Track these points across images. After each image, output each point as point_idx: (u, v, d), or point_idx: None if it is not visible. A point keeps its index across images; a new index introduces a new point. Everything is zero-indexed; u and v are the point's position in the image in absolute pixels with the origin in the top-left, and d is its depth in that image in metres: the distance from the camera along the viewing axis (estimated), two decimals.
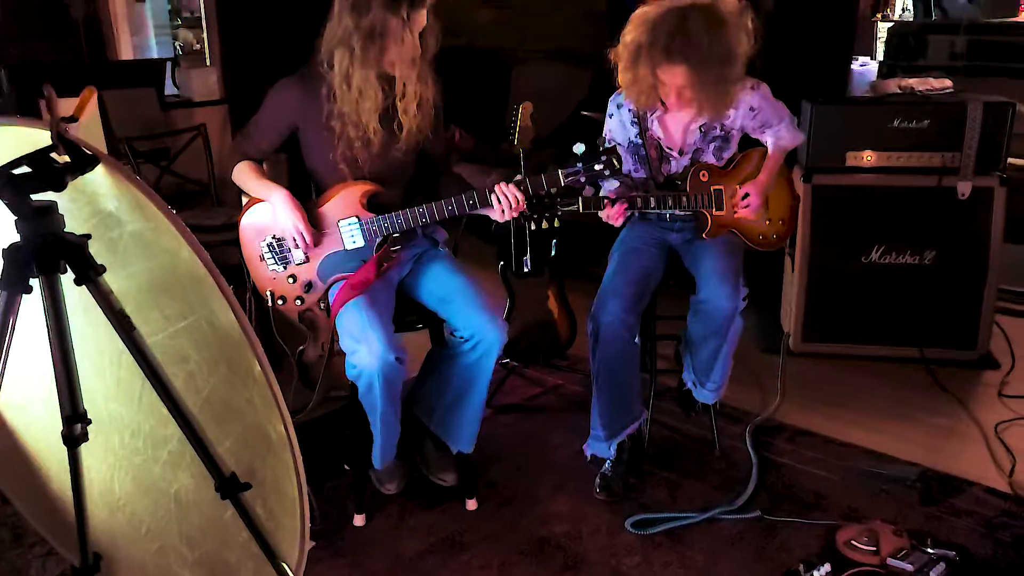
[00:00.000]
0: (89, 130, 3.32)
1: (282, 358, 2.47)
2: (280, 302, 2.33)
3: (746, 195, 2.58)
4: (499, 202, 2.23)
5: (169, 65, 4.12)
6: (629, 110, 2.63)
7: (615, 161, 2.23)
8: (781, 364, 3.25)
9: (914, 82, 5.32)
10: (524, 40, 5.48)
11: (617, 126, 2.67)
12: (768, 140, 2.69)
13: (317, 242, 2.28)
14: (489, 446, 2.83)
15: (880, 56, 6.90)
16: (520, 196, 2.24)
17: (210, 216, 3.61)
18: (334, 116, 2.22)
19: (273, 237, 2.29)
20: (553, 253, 3.16)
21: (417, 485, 2.55)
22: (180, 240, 1.19)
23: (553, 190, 2.30)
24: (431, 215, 2.25)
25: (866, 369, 3.41)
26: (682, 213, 2.65)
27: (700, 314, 2.51)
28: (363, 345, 2.14)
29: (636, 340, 2.52)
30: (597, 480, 2.58)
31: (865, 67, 6.62)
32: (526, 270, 3.10)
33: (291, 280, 2.31)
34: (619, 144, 2.65)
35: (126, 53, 7.81)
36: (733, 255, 2.58)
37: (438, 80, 2.35)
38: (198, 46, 6.48)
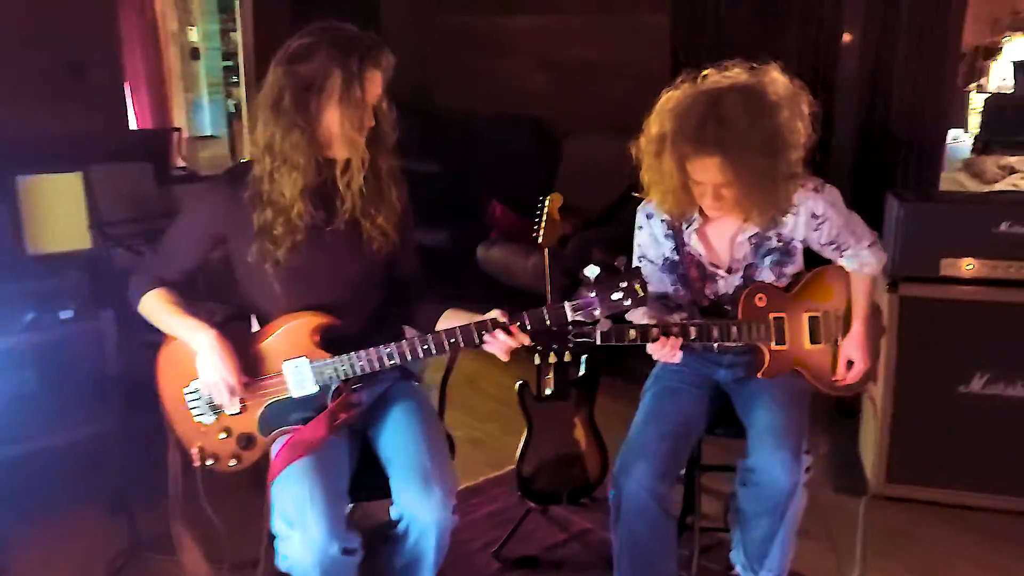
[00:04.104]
0: (71, 215, 2.99)
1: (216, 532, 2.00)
2: (211, 462, 1.88)
3: (850, 363, 2.13)
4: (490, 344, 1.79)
5: (176, 135, 3.78)
6: (662, 221, 2.13)
7: (639, 288, 1.75)
8: (861, 532, 2.59)
9: (1015, 161, 4.71)
10: (578, 109, 5.08)
11: (648, 240, 2.17)
12: (847, 265, 2.16)
13: (256, 390, 1.83)
14: None
15: (974, 129, 6.30)
16: (516, 342, 1.78)
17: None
18: (256, 205, 1.80)
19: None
20: (582, 371, 2.66)
21: None
22: None
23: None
24: (402, 356, 1.79)
25: (966, 522, 2.78)
26: (733, 345, 2.12)
27: (750, 486, 1.97)
28: (297, 531, 1.68)
29: (671, 513, 1.99)
30: None
31: (957, 141, 6.02)
32: (548, 393, 2.60)
33: (224, 435, 1.86)
34: (653, 262, 2.15)
35: (179, 112, 7.68)
36: (796, 405, 2.04)
37: (402, 179, 1.92)
38: None
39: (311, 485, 1.72)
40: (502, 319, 1.77)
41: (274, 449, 1.84)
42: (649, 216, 2.17)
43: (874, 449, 2.92)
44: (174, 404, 1.89)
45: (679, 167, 1.92)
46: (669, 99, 1.98)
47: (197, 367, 1.81)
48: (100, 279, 2.81)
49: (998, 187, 4.72)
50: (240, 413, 1.85)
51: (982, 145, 5.85)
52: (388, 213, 1.87)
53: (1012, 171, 4.91)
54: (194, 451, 1.87)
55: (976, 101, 6.42)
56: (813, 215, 2.07)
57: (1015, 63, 6.16)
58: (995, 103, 6.12)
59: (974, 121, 6.32)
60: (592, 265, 1.77)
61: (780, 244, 2.10)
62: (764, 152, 1.87)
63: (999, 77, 6.53)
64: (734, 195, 1.94)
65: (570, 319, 1.77)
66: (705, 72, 2.01)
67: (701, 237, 2.12)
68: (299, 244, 1.80)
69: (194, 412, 1.87)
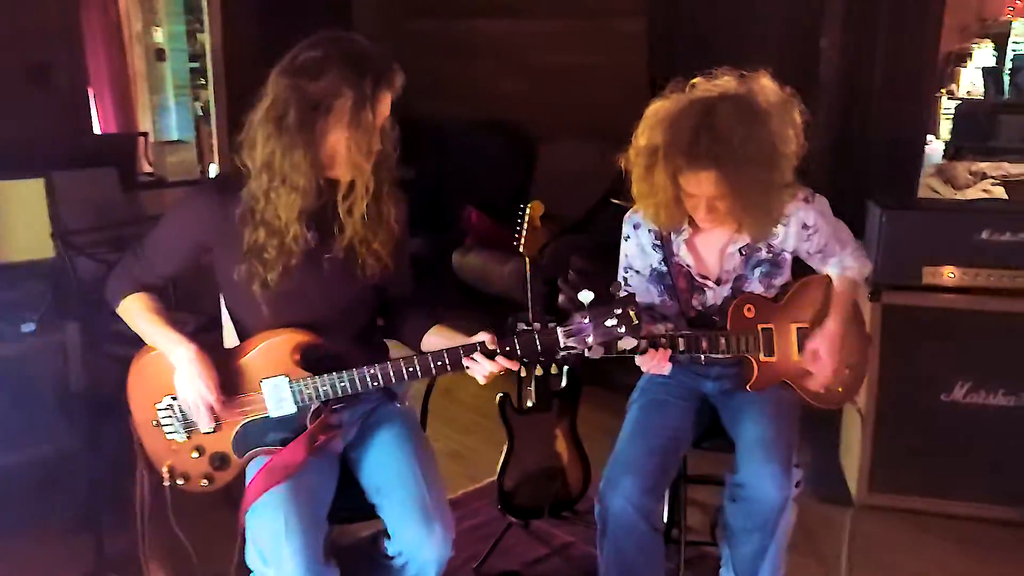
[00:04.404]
0: (33, 223, 2.89)
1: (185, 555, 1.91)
2: (181, 481, 1.79)
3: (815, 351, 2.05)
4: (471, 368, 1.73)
5: (143, 140, 3.67)
6: (650, 231, 2.09)
7: (633, 315, 1.69)
8: (847, 543, 2.55)
9: (987, 167, 4.73)
10: (555, 115, 5.02)
11: (635, 251, 2.13)
12: (831, 271, 2.12)
13: (233, 408, 1.75)
14: None
15: (944, 135, 6.35)
16: (502, 367, 1.71)
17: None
18: (248, 223, 1.70)
19: (173, 398, 1.77)
20: (564, 382, 2.61)
21: None
22: None
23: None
24: (386, 378, 1.72)
25: (950, 531, 2.77)
26: (721, 356, 2.08)
27: (739, 501, 1.93)
28: (272, 568, 1.60)
29: (658, 528, 1.94)
30: None
31: (928, 146, 6.06)
32: (529, 405, 2.54)
33: (196, 454, 1.77)
34: (639, 273, 2.11)
35: (144, 115, 7.50)
36: (785, 418, 2.00)
37: (401, 198, 1.84)
38: None
39: (286, 515, 1.64)
40: (491, 345, 1.70)
41: (249, 472, 1.76)
42: (636, 226, 2.12)
43: (856, 458, 2.90)
44: (145, 420, 1.80)
45: (672, 180, 1.88)
46: (658, 109, 1.93)
47: (175, 382, 1.73)
48: (64, 290, 2.71)
49: (970, 193, 4.74)
50: (214, 432, 1.77)
51: (953, 151, 5.90)
52: (385, 237, 1.79)
53: (983, 177, 4.94)
54: (164, 470, 1.78)
55: (946, 107, 6.48)
56: (804, 225, 2.04)
57: (984, 69, 6.22)
58: (965, 109, 6.18)
59: (945, 127, 6.38)
60: (586, 291, 1.70)
61: (770, 255, 2.07)
62: (759, 163, 1.83)
63: (969, 83, 6.59)
64: (728, 207, 1.90)
65: (562, 345, 1.70)
66: (694, 81, 1.97)
67: (690, 248, 2.08)
68: (292, 268, 1.71)
69: (166, 429, 1.79)
